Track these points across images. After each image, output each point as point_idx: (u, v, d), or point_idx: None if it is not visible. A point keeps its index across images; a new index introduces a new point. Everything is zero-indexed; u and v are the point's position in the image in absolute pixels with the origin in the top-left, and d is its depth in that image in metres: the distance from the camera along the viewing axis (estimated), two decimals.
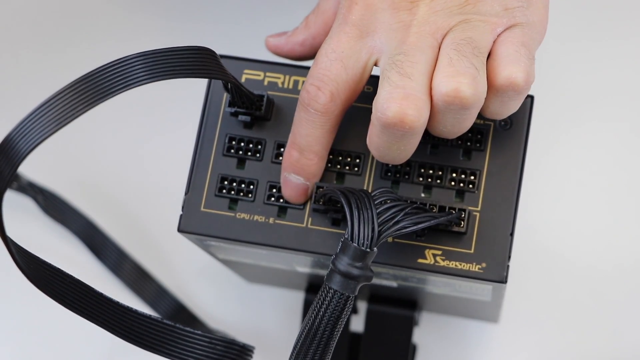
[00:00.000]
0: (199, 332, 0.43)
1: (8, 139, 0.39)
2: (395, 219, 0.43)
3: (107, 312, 0.42)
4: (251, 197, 0.47)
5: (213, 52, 0.43)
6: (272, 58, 0.50)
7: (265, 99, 0.47)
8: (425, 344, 0.63)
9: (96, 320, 0.42)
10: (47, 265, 0.42)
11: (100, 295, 0.43)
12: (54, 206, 0.66)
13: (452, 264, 0.45)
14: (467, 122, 0.43)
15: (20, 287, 0.64)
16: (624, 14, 0.69)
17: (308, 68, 0.48)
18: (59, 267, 0.42)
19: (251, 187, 0.47)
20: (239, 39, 0.69)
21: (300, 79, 0.48)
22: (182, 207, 0.47)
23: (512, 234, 0.45)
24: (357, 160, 0.47)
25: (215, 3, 0.71)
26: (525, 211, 0.53)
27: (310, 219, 0.46)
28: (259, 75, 0.48)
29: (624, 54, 0.68)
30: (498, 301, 0.52)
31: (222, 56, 0.46)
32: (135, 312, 0.43)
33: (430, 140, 0.46)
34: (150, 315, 0.43)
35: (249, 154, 0.47)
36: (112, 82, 0.40)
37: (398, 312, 0.58)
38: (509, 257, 0.45)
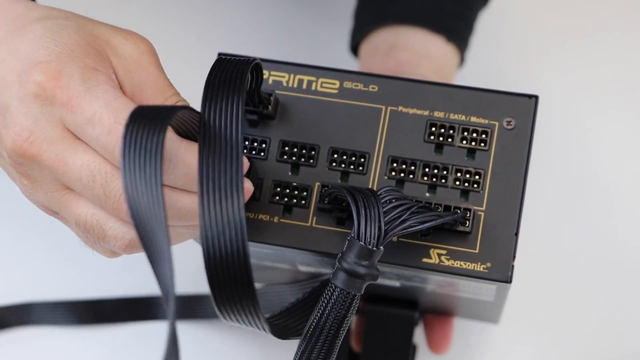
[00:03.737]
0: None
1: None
2: (402, 218, 0.43)
3: None
4: (256, 196, 0.47)
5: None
6: (276, 57, 0.50)
7: (273, 97, 0.46)
8: (425, 344, 0.63)
9: None
10: None
11: None
12: None
13: (457, 264, 0.45)
14: None
15: (19, 286, 0.64)
16: (622, 11, 0.69)
17: (312, 67, 0.48)
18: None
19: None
20: (240, 38, 0.69)
21: (305, 77, 0.48)
22: None
23: (517, 234, 0.45)
24: (362, 160, 0.46)
25: (215, 3, 0.70)
26: (527, 211, 0.53)
27: (315, 218, 0.46)
28: (264, 74, 0.48)
29: (624, 52, 0.68)
30: (501, 301, 0.52)
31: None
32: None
33: (434, 140, 0.46)
34: None
35: (254, 152, 0.47)
36: None
37: (398, 312, 0.58)
38: (514, 256, 0.45)
